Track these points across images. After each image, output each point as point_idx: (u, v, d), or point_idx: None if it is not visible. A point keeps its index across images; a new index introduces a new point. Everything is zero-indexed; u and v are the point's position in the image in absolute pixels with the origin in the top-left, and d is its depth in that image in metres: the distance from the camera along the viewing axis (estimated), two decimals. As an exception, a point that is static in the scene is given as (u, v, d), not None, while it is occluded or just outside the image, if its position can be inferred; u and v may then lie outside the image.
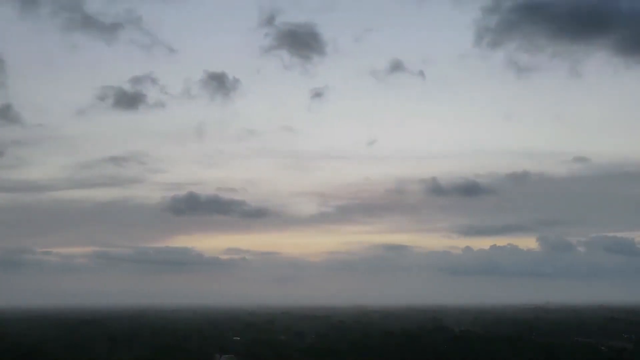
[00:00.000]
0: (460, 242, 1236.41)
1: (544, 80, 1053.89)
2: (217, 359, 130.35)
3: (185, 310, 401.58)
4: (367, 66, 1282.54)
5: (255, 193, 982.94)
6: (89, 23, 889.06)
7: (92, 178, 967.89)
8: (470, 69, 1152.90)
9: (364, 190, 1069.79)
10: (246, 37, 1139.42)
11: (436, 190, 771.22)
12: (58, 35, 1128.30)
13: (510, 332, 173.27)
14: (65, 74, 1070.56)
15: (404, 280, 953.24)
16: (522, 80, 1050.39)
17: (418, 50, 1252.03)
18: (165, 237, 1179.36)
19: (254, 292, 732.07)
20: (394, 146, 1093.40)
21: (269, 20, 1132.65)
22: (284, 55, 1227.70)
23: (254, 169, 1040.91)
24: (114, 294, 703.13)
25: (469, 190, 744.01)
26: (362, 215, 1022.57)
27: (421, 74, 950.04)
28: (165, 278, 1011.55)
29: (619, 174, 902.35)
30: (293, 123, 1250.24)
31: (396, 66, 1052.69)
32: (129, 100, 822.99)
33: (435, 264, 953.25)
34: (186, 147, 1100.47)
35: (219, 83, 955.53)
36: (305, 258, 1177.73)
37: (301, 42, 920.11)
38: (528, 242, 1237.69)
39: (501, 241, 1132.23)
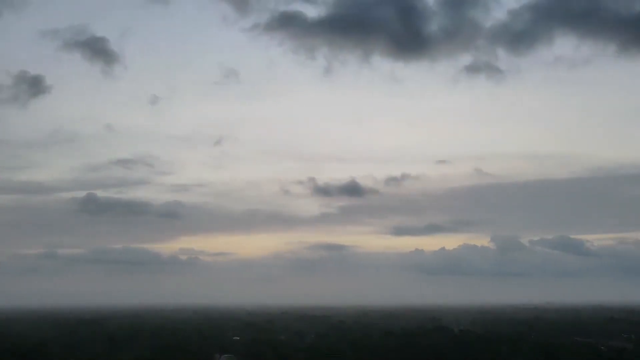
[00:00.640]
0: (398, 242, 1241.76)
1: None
2: (216, 358, 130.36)
3: (185, 310, 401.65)
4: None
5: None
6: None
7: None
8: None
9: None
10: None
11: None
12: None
13: (509, 332, 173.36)
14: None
15: (353, 280, 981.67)
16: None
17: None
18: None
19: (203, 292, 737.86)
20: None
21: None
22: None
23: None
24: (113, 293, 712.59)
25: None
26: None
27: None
28: (129, 278, 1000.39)
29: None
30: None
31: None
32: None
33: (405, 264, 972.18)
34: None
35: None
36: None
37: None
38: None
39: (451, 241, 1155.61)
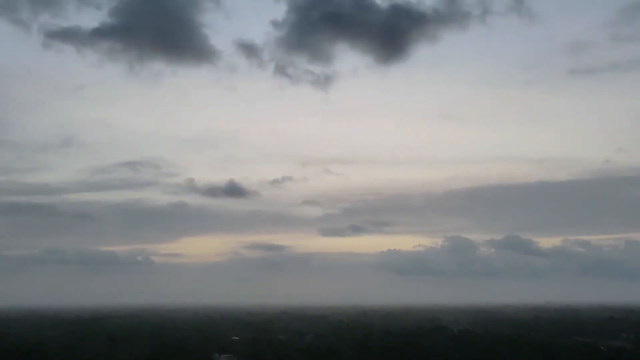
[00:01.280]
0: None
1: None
2: (216, 358, 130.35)
3: (184, 310, 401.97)
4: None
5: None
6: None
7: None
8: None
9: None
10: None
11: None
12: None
13: (509, 331, 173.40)
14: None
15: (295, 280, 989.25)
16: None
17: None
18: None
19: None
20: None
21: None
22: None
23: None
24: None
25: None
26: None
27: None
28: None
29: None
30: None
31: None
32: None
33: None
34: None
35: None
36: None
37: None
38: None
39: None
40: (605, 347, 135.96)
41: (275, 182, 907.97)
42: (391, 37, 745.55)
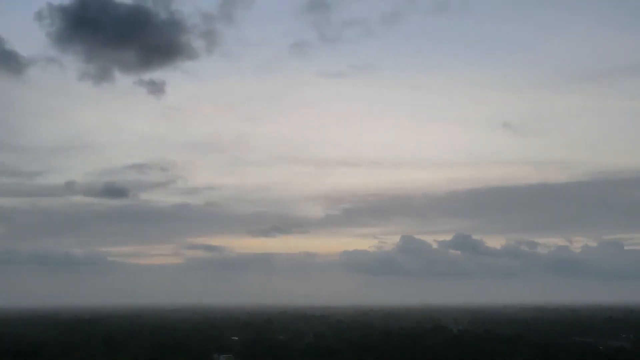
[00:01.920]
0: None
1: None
2: (215, 358, 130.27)
3: (183, 310, 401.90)
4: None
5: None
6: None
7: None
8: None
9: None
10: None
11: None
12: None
13: (508, 331, 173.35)
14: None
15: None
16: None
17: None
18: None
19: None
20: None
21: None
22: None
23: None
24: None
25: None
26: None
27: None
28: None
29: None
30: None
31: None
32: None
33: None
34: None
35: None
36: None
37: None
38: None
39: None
40: (604, 347, 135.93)
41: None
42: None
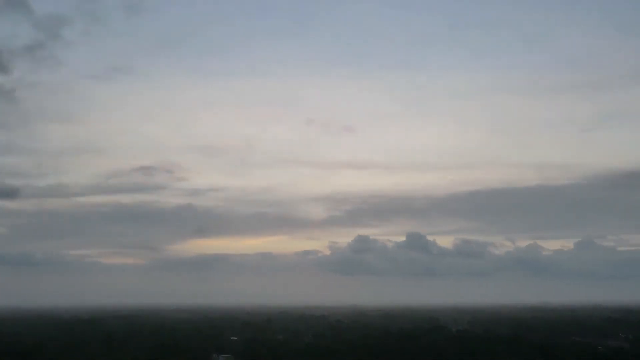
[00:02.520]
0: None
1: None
2: (215, 358, 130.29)
3: (183, 310, 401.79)
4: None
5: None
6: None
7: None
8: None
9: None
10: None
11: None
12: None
13: (507, 331, 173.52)
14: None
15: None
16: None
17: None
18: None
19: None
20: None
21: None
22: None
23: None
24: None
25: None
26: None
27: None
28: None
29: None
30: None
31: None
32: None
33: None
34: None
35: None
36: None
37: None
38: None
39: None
40: (604, 347, 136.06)
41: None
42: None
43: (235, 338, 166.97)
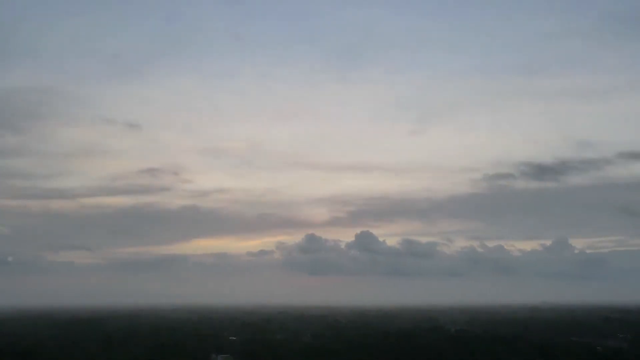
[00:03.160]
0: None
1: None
2: (213, 359, 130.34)
3: (181, 310, 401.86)
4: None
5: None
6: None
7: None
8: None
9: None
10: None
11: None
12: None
13: (505, 331, 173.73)
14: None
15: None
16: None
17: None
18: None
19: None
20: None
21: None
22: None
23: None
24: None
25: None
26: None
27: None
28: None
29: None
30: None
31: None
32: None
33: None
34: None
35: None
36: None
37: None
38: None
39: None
40: (602, 347, 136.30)
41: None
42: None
43: (235, 338, 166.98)
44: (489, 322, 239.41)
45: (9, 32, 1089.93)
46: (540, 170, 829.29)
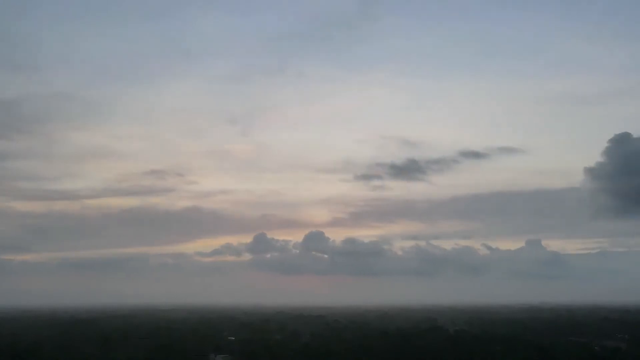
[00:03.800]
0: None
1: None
2: (212, 359, 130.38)
3: (180, 310, 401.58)
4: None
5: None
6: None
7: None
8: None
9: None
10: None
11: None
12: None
13: (504, 331, 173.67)
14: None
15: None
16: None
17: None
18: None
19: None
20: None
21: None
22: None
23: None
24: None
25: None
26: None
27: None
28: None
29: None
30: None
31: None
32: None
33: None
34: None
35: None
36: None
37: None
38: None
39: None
40: (600, 347, 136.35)
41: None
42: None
43: (233, 338, 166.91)
44: (488, 322, 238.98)
45: (19, 39, 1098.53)
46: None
